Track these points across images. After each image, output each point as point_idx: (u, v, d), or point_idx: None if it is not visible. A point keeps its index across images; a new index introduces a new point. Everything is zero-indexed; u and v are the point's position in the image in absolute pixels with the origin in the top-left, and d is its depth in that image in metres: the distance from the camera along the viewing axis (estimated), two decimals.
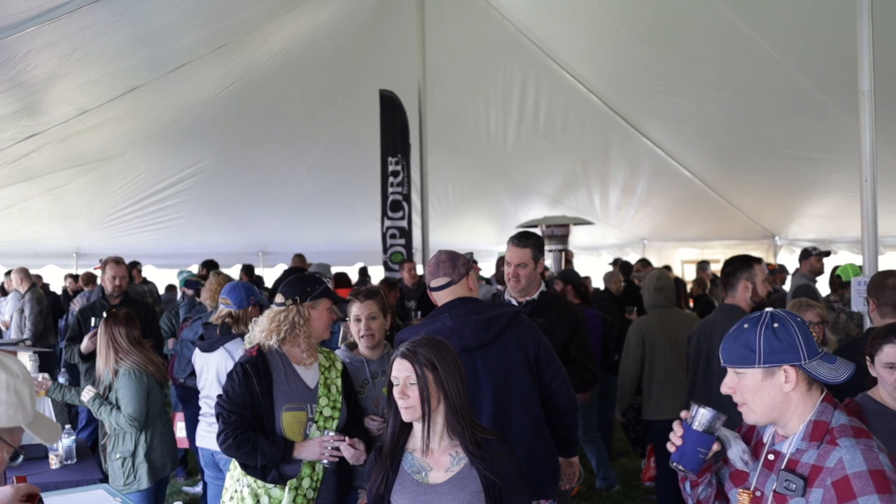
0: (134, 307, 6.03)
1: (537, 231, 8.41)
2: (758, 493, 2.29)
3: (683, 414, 2.35)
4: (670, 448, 2.34)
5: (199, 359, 4.94)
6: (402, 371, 2.71)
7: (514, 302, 4.41)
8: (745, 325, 2.28)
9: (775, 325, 2.23)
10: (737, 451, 2.34)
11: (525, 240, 4.38)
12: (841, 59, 6.68)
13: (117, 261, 6.61)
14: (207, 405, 4.84)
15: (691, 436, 2.31)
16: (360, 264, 13.80)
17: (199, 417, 4.97)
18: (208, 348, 4.83)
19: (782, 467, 2.23)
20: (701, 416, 2.30)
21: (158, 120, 11.30)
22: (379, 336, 4.06)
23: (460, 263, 3.62)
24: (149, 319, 6.52)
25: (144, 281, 11.31)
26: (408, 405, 2.69)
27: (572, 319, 4.40)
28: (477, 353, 3.46)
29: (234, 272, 12.38)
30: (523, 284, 4.35)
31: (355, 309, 4.06)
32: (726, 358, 2.30)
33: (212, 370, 4.81)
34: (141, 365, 4.79)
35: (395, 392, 2.71)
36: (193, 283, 8.01)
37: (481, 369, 3.45)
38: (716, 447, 2.30)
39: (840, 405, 2.28)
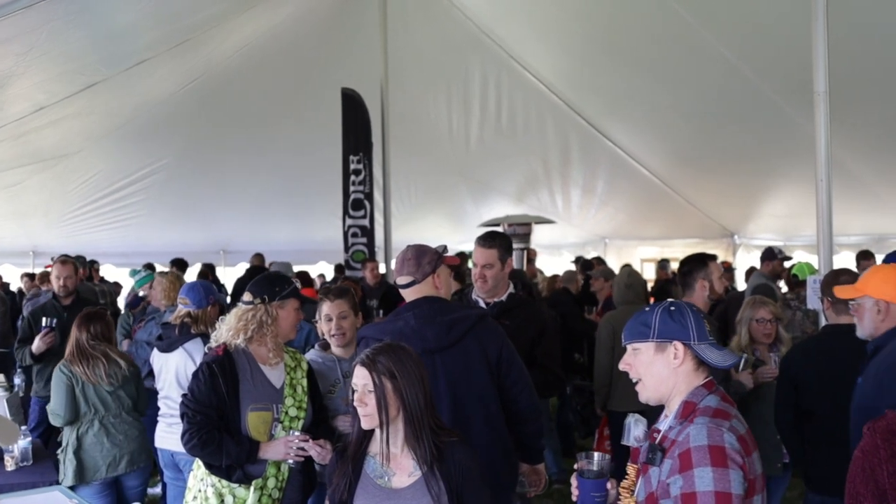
0: (84, 307, 5.95)
1: (499, 230, 8.43)
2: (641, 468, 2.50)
3: (577, 465, 2.53)
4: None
5: (158, 359, 4.89)
6: (360, 378, 2.70)
7: (481, 303, 4.36)
8: (647, 309, 2.51)
9: (672, 308, 2.46)
10: (633, 434, 2.57)
11: (491, 240, 4.32)
12: (796, 61, 6.78)
13: (63, 260, 6.53)
14: (166, 406, 4.80)
15: (585, 486, 2.50)
16: (323, 263, 13.76)
17: (158, 418, 4.90)
18: (167, 348, 4.78)
19: (656, 443, 2.41)
20: (589, 464, 2.51)
21: (117, 117, 11.15)
22: (350, 335, 4.06)
23: (426, 262, 3.54)
24: None
25: (102, 280, 11.17)
26: (365, 413, 2.69)
27: (540, 323, 4.33)
28: (438, 356, 3.42)
29: (195, 271, 12.27)
30: (490, 285, 4.28)
31: (326, 308, 4.05)
32: (626, 336, 2.52)
33: (171, 370, 4.77)
34: (69, 364, 4.80)
35: (355, 399, 2.71)
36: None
37: (441, 372, 3.41)
38: (609, 486, 2.49)
39: (720, 391, 2.42)
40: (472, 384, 3.45)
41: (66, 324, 5.57)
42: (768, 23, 8.30)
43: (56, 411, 4.74)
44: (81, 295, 6.68)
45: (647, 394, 2.49)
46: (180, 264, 11.25)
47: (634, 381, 2.51)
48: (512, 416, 3.57)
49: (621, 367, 2.53)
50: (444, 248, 3.70)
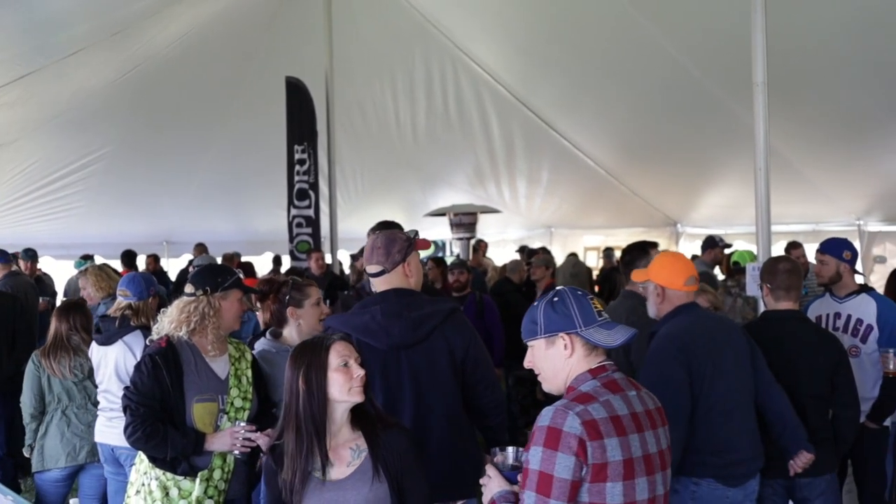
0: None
1: (445, 219, 8.43)
2: None
3: (494, 460, 2.59)
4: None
5: (97, 353, 4.81)
6: (351, 350, 2.73)
7: None
8: (535, 304, 2.52)
9: (555, 299, 2.46)
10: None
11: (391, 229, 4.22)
12: (735, 54, 6.90)
13: None
14: (106, 400, 4.74)
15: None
16: (269, 254, 13.63)
17: (98, 412, 4.83)
18: (106, 341, 4.71)
19: None
20: (505, 458, 2.58)
21: (54, 106, 10.85)
22: None
23: (395, 251, 3.45)
24: (16, 313, 6.47)
25: (44, 274, 10.87)
26: (362, 384, 2.71)
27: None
28: (403, 352, 3.38)
29: (139, 262, 12.06)
30: None
31: (315, 293, 4.09)
32: (523, 335, 2.53)
33: (110, 364, 4.70)
34: (39, 357, 5.01)
35: (353, 371, 2.69)
36: None
37: (405, 367, 3.38)
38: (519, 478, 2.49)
39: (608, 377, 2.41)
40: (437, 380, 3.41)
41: None
42: (709, 17, 8.43)
43: (23, 401, 4.97)
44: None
45: (547, 385, 2.51)
46: (129, 256, 11.05)
47: (537, 375, 2.53)
48: (475, 412, 3.56)
49: (526, 364, 2.55)
50: (416, 234, 3.61)
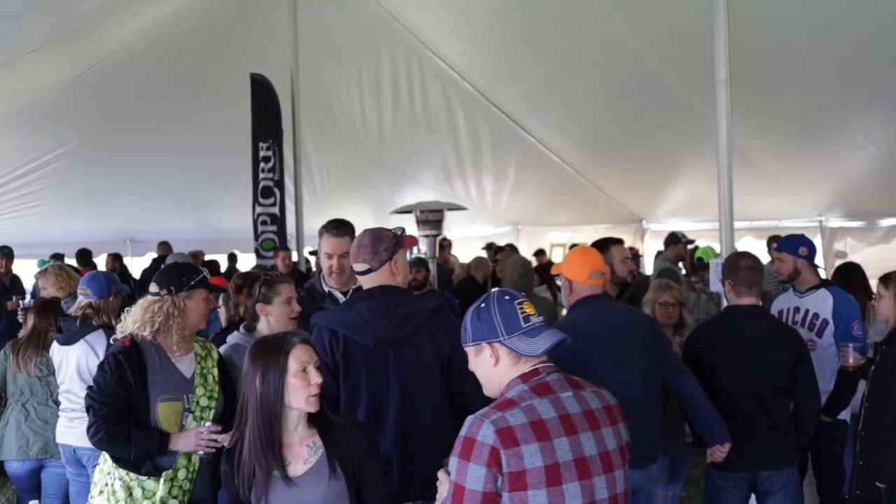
0: None
1: (411, 216, 8.40)
2: None
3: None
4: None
5: (58, 352, 4.76)
6: (312, 355, 2.72)
7: (337, 295, 4.28)
8: (470, 310, 2.46)
9: (482, 306, 2.40)
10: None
11: (343, 228, 4.24)
12: (698, 51, 6.95)
13: None
14: (68, 400, 4.69)
15: None
16: (236, 252, 13.53)
17: (59, 412, 4.78)
18: (67, 341, 4.66)
19: None
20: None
21: (13, 104, 10.68)
22: (349, 275, 4.11)
23: (382, 249, 3.44)
24: None
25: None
26: (318, 392, 2.69)
27: None
28: (390, 348, 3.37)
29: (101, 262, 11.93)
30: (347, 275, 4.21)
31: (286, 290, 4.04)
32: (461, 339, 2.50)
33: (72, 364, 4.65)
34: (9, 349, 5.10)
35: (310, 377, 2.67)
36: None
37: (392, 364, 3.37)
38: None
39: (540, 381, 2.33)
40: (422, 378, 3.41)
41: None
42: (673, 14, 8.49)
43: None
44: None
45: (486, 391, 2.47)
46: (84, 255, 10.91)
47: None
48: (459, 409, 3.54)
49: (470, 368, 2.51)
50: (402, 231, 3.60)
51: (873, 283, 4.55)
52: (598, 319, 3.94)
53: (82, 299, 4.72)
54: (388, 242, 3.47)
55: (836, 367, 4.71)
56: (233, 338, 4.12)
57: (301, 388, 2.65)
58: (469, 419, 2.26)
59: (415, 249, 10.41)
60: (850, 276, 5.75)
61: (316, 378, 2.67)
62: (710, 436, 4.03)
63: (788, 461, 4.18)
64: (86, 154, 12.04)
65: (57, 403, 4.86)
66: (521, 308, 2.36)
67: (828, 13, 7.57)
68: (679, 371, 4.05)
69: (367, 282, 3.49)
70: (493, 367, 2.38)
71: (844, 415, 4.88)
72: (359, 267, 3.49)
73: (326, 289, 4.32)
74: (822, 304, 4.89)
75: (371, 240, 3.46)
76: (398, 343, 3.38)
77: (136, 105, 11.62)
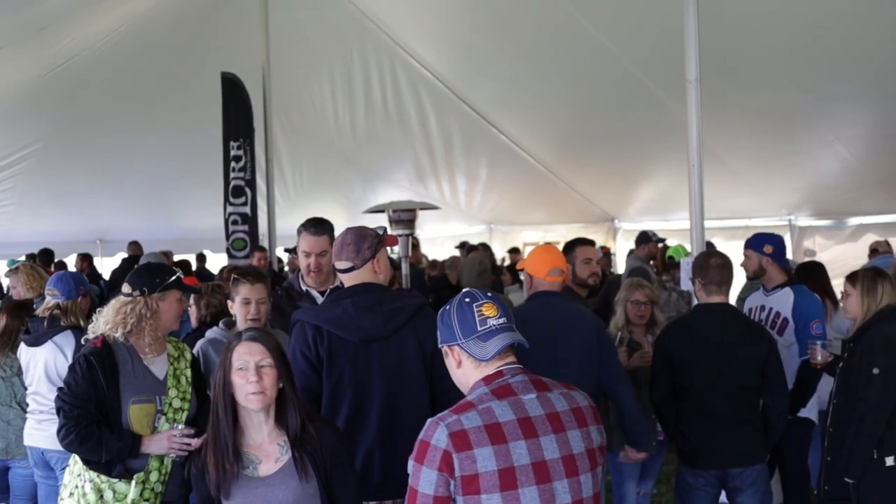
0: None
1: (384, 216, 8.39)
2: None
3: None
4: None
5: (25, 354, 4.69)
6: (255, 354, 2.68)
7: (314, 294, 4.27)
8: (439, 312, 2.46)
9: (446, 308, 2.40)
10: None
11: (321, 226, 4.22)
12: (669, 50, 7.00)
13: None
14: (36, 402, 4.63)
15: None
16: (207, 251, 13.43)
17: (27, 415, 4.71)
18: (35, 342, 4.60)
19: None
20: None
21: None
22: (264, 321, 4.03)
23: (365, 247, 3.44)
24: None
25: None
26: (259, 390, 2.65)
27: None
28: (374, 345, 3.37)
29: (70, 262, 11.79)
30: (325, 274, 4.20)
31: (245, 291, 3.99)
32: None
33: (39, 365, 4.59)
34: None
35: (248, 376, 2.65)
36: None
37: (376, 361, 3.37)
38: None
39: (503, 383, 2.30)
40: (406, 375, 3.41)
41: None
42: (644, 14, 8.55)
43: None
44: None
45: (463, 392, 2.44)
46: (46, 255, 10.79)
47: None
48: (441, 407, 3.55)
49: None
50: (385, 230, 3.63)
51: (842, 282, 4.58)
52: (543, 315, 3.99)
53: (50, 300, 4.67)
54: (371, 241, 3.48)
55: (797, 365, 4.75)
56: (211, 332, 4.13)
57: (240, 385, 2.66)
58: (428, 422, 2.26)
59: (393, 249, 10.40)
60: (809, 275, 5.78)
61: (253, 377, 2.66)
62: (631, 439, 4.29)
63: (758, 458, 4.22)
64: (54, 153, 11.91)
65: (21, 405, 4.79)
66: (480, 311, 2.32)
67: (797, 13, 7.65)
68: (617, 378, 4.13)
69: (349, 280, 3.49)
70: (457, 369, 2.39)
71: (812, 413, 4.92)
72: (341, 265, 3.49)
73: (304, 288, 4.31)
74: (784, 302, 4.93)
75: (354, 238, 3.46)
76: (383, 339, 3.38)
77: (104, 104, 11.50)
